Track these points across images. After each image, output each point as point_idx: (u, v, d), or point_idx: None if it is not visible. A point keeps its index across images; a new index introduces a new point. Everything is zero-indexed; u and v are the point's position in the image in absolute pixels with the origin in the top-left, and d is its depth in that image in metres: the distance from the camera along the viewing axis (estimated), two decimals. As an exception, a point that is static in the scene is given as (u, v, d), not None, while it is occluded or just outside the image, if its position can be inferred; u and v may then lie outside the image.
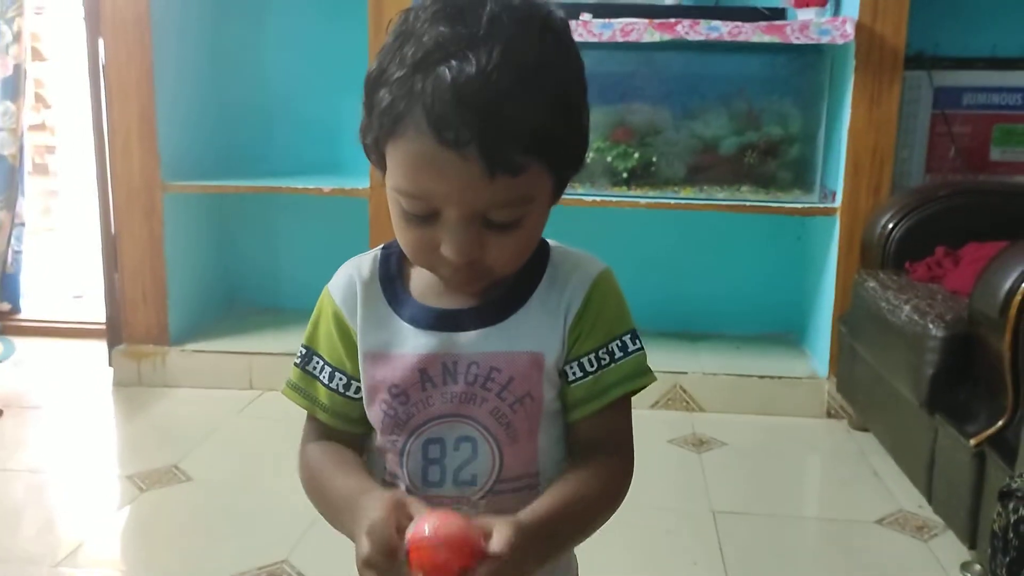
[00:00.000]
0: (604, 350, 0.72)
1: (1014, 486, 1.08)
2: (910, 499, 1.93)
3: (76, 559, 1.67)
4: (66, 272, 4.10)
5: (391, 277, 0.76)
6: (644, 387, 0.74)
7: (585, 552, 1.81)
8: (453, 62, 0.61)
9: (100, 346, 2.81)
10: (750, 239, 2.81)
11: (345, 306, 0.76)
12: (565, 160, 0.68)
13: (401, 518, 0.62)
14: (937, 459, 1.69)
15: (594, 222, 2.46)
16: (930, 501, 1.75)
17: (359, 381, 0.76)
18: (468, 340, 0.71)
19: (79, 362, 2.91)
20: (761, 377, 2.51)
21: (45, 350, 3.03)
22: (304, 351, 0.79)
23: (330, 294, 0.77)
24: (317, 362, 0.78)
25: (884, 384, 1.95)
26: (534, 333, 0.71)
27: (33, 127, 5.59)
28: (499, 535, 0.60)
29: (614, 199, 2.47)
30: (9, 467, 2.09)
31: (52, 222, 5.88)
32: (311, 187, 2.57)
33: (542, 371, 0.71)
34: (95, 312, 2.97)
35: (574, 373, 0.72)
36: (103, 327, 2.77)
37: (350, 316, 0.75)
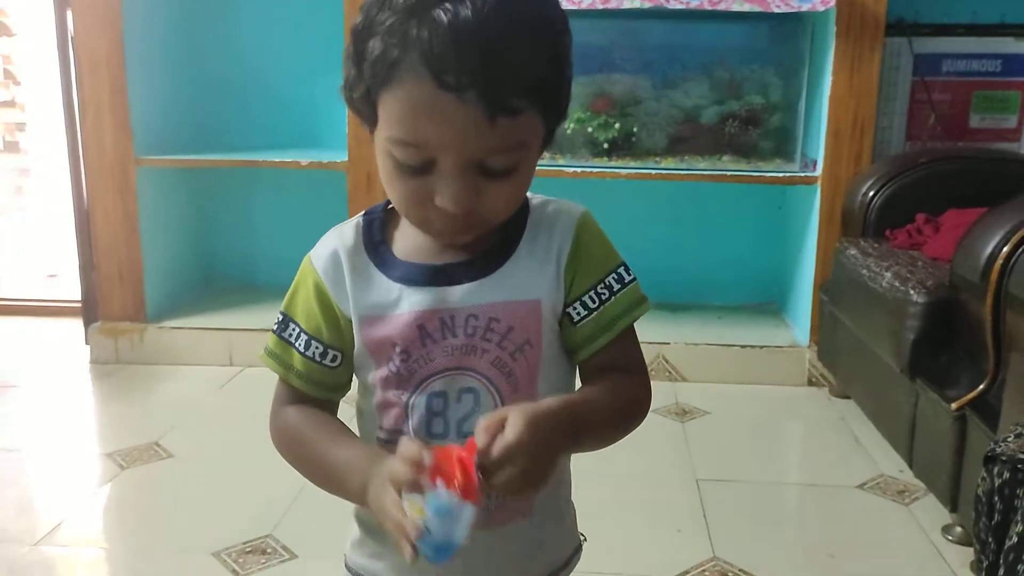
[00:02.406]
0: (602, 285, 0.74)
1: (998, 450, 1.09)
2: (891, 464, 1.95)
3: (57, 537, 1.66)
4: (40, 252, 4.04)
5: (375, 242, 0.75)
6: (644, 314, 0.76)
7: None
8: (448, 5, 0.61)
9: (76, 324, 2.77)
10: (731, 209, 2.81)
11: (327, 276, 0.75)
12: (556, 108, 0.69)
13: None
14: (918, 424, 1.70)
15: (575, 193, 2.43)
16: (911, 466, 1.77)
17: (336, 350, 0.75)
18: (463, 293, 0.71)
19: (55, 341, 2.87)
20: (743, 347, 2.52)
21: (20, 329, 2.99)
22: (281, 317, 0.78)
23: (311, 263, 0.76)
24: (293, 329, 0.76)
25: (865, 351, 1.96)
26: (528, 281, 0.72)
27: (2, 104, 5.49)
28: (512, 425, 0.61)
29: (595, 170, 2.46)
30: (-14, 447, 2.07)
31: (24, 202, 5.80)
32: (288, 160, 2.54)
33: (540, 318, 0.72)
34: (71, 291, 2.93)
35: (578, 312, 0.73)
36: (79, 305, 2.73)
37: (333, 286, 0.74)
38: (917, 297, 1.67)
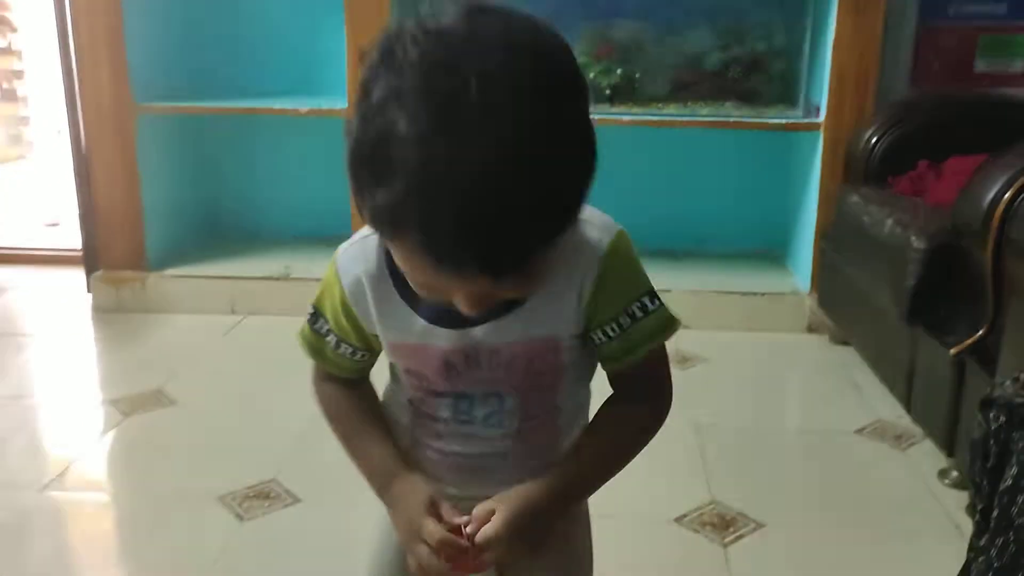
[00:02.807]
0: (624, 315, 0.74)
1: (996, 394, 1.09)
2: (889, 410, 1.97)
3: (63, 482, 1.68)
4: (41, 201, 4.03)
5: (399, 272, 0.69)
6: (672, 335, 0.77)
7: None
8: (444, 174, 0.55)
9: (78, 273, 2.77)
10: (734, 156, 2.78)
11: (352, 296, 0.76)
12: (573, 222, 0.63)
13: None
14: (917, 370, 1.71)
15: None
16: (909, 411, 1.78)
17: (364, 351, 0.81)
18: (485, 332, 0.73)
19: (58, 289, 2.88)
20: (743, 294, 2.52)
21: (22, 278, 2.99)
22: (312, 311, 0.81)
23: (339, 279, 0.76)
24: (323, 325, 0.80)
25: (865, 298, 1.96)
26: (547, 318, 0.73)
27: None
28: (493, 521, 0.71)
29: (597, 116, 2.42)
30: (-9, 394, 2.09)
31: (24, 150, 5.76)
32: (287, 108, 2.52)
33: (559, 350, 0.75)
34: (72, 240, 2.93)
35: (599, 338, 0.75)
36: (80, 254, 2.73)
37: (357, 306, 0.77)
38: (918, 243, 1.66)
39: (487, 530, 0.71)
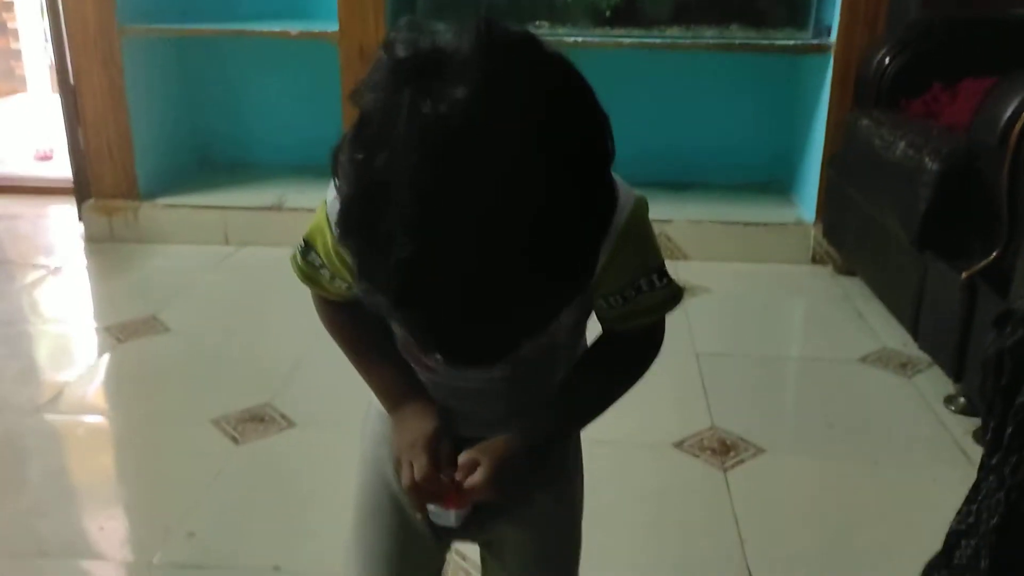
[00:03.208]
0: (631, 288, 0.70)
1: (1014, 307, 1.05)
2: (894, 338, 1.94)
3: (57, 405, 1.66)
4: (33, 134, 3.95)
5: None
6: (675, 308, 0.73)
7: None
8: (434, 280, 0.53)
9: (70, 205, 2.72)
10: (739, 84, 2.71)
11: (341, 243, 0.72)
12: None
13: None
14: (926, 295, 1.67)
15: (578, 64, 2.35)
16: (916, 338, 1.75)
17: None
18: None
19: (50, 219, 2.84)
20: (746, 224, 2.47)
21: (13, 208, 2.94)
22: (304, 244, 0.75)
23: (329, 225, 0.70)
24: (316, 259, 0.75)
25: (874, 225, 1.91)
26: None
27: (-17, -19, 5.29)
28: (480, 470, 0.70)
29: (596, 39, 2.36)
30: (-18, 321, 2.05)
31: (16, 84, 5.65)
32: (277, 31, 2.44)
33: (558, 334, 0.75)
34: (65, 171, 2.86)
35: (602, 306, 0.72)
36: (72, 185, 2.67)
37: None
38: (931, 164, 1.61)
39: (472, 480, 0.71)
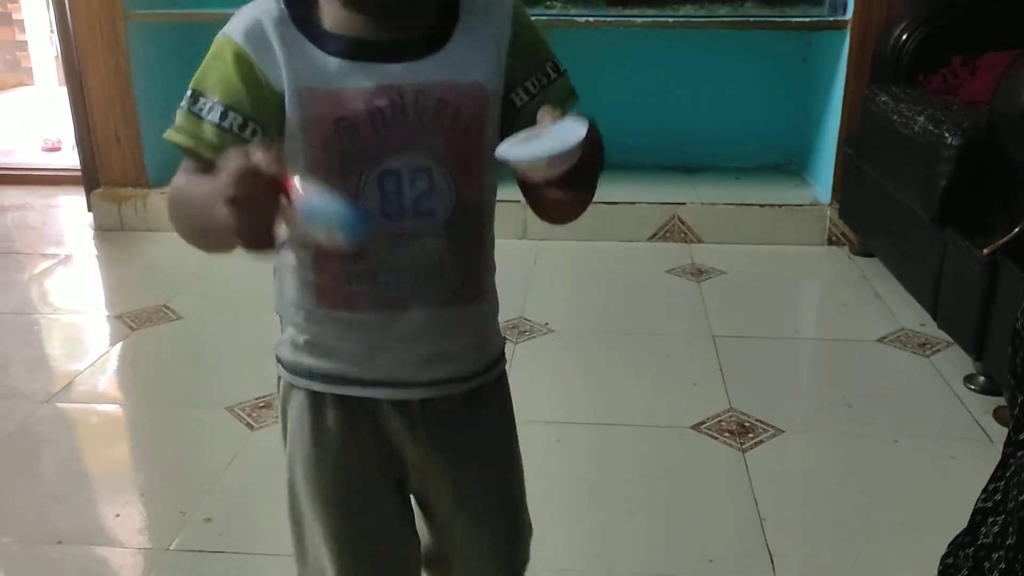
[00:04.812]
0: (540, 72, 0.74)
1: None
2: (913, 318, 1.91)
3: (70, 394, 1.65)
4: (40, 126, 3.94)
5: (301, 17, 0.69)
6: (574, 106, 0.75)
7: (585, 374, 1.80)
8: None
9: (79, 194, 2.71)
10: (753, 64, 2.68)
11: (251, 45, 0.68)
12: None
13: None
14: (945, 273, 1.65)
15: (586, 46, 2.32)
16: (935, 317, 1.73)
17: (256, 122, 0.69)
18: (406, 69, 0.68)
19: (59, 209, 2.83)
20: (761, 206, 2.45)
21: (23, 197, 2.93)
22: (190, 92, 0.71)
23: (228, 35, 0.69)
24: (205, 103, 0.70)
25: (892, 203, 1.89)
26: (472, 63, 0.70)
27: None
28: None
29: (608, 19, 2.33)
30: (-6, 311, 2.05)
31: (23, 76, 5.64)
32: (287, 14, 2.41)
33: (485, 102, 0.71)
34: (73, 161, 2.86)
35: (520, 98, 0.73)
36: (80, 175, 2.66)
37: (258, 55, 0.68)
38: (952, 139, 1.58)
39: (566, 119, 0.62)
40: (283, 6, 0.69)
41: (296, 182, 0.57)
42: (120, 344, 1.86)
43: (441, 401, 0.76)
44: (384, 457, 0.77)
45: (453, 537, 0.83)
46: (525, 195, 0.72)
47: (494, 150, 0.66)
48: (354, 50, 0.68)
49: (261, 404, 1.58)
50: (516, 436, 0.84)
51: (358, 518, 0.79)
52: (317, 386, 0.76)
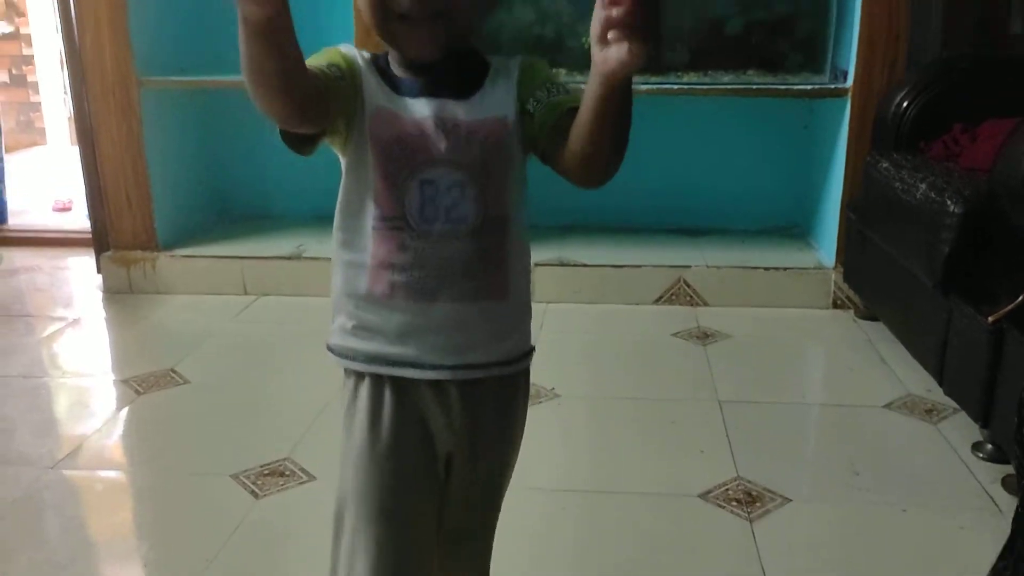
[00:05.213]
0: (549, 85, 0.87)
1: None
2: (919, 383, 1.91)
3: (76, 460, 1.65)
4: (54, 186, 4.00)
5: (381, 65, 0.89)
6: None
7: (591, 439, 1.79)
8: None
9: (89, 256, 2.74)
10: (756, 129, 2.72)
11: (351, 57, 0.88)
12: None
13: None
14: (951, 340, 1.65)
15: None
16: (941, 384, 1.72)
17: (338, 71, 0.86)
18: (450, 106, 0.86)
19: (68, 271, 2.85)
20: (766, 269, 2.46)
21: (33, 260, 2.97)
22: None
23: (337, 47, 0.89)
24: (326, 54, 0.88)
25: (896, 268, 1.90)
26: (497, 103, 0.87)
27: (6, 37, 5.40)
28: None
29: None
30: (1, 373, 2.05)
31: (36, 136, 5.74)
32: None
33: (508, 129, 0.87)
34: (83, 223, 2.90)
35: (532, 106, 0.86)
36: (90, 236, 2.70)
37: (355, 66, 0.88)
38: (954, 207, 1.59)
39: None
40: (368, 55, 0.90)
41: None
42: (127, 409, 1.86)
43: (473, 389, 0.90)
44: (426, 436, 0.91)
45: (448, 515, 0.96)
46: (568, 152, 0.83)
47: (517, 171, 0.88)
48: (414, 90, 0.87)
49: (266, 471, 1.58)
50: (521, 436, 0.98)
51: (405, 497, 0.91)
52: (359, 366, 0.90)
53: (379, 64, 0.89)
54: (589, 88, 0.76)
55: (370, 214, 0.88)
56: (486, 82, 0.88)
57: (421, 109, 0.86)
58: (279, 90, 0.76)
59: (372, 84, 0.87)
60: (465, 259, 0.86)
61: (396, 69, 0.89)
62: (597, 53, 0.73)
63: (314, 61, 0.84)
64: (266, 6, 0.69)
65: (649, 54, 0.71)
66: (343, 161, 0.91)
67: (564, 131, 0.83)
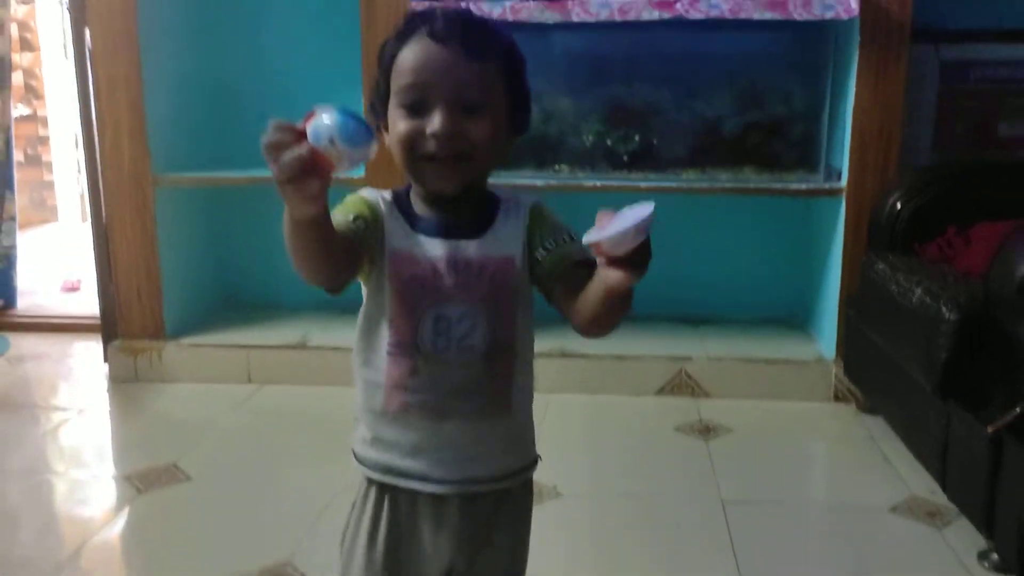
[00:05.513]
0: (558, 235, 0.95)
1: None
2: (922, 484, 1.90)
3: (79, 562, 1.64)
4: (64, 264, 4.06)
5: (401, 205, 0.97)
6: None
7: (593, 543, 1.78)
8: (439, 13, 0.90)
9: (96, 341, 2.77)
10: (754, 222, 2.76)
11: (374, 203, 0.95)
12: (516, 87, 0.94)
13: None
14: (951, 445, 1.65)
15: (594, 207, 2.40)
16: (944, 488, 1.72)
17: (361, 222, 0.92)
18: (463, 246, 0.94)
19: (75, 358, 2.87)
20: (767, 361, 2.47)
21: (40, 346, 2.99)
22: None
23: (361, 194, 0.96)
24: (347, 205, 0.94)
25: (895, 368, 1.91)
26: (504, 243, 0.95)
27: (23, 119, 5.53)
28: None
29: (615, 183, 2.42)
30: (5, 467, 2.06)
31: (48, 214, 5.83)
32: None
33: (514, 267, 0.95)
34: (92, 306, 2.93)
35: (541, 254, 0.94)
36: (98, 322, 2.73)
37: (378, 210, 0.94)
38: (949, 314, 1.62)
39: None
40: (391, 195, 0.97)
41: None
42: (128, 508, 1.86)
43: (474, 503, 0.96)
44: (424, 548, 0.97)
45: None
46: (575, 310, 0.90)
47: (524, 300, 0.96)
48: (430, 229, 0.94)
49: (265, 574, 1.57)
50: (527, 542, 1.03)
51: None
52: (376, 476, 0.97)
53: (399, 201, 0.97)
54: (597, 285, 0.84)
55: (385, 339, 0.94)
56: (497, 221, 0.96)
57: (435, 249, 0.94)
58: (322, 265, 0.85)
59: (392, 225, 0.95)
60: (474, 382, 0.93)
61: (416, 205, 0.97)
62: (602, 268, 0.81)
63: (340, 215, 0.91)
64: (312, 207, 0.77)
65: (644, 273, 0.81)
66: (364, 288, 0.97)
67: (570, 280, 0.91)
